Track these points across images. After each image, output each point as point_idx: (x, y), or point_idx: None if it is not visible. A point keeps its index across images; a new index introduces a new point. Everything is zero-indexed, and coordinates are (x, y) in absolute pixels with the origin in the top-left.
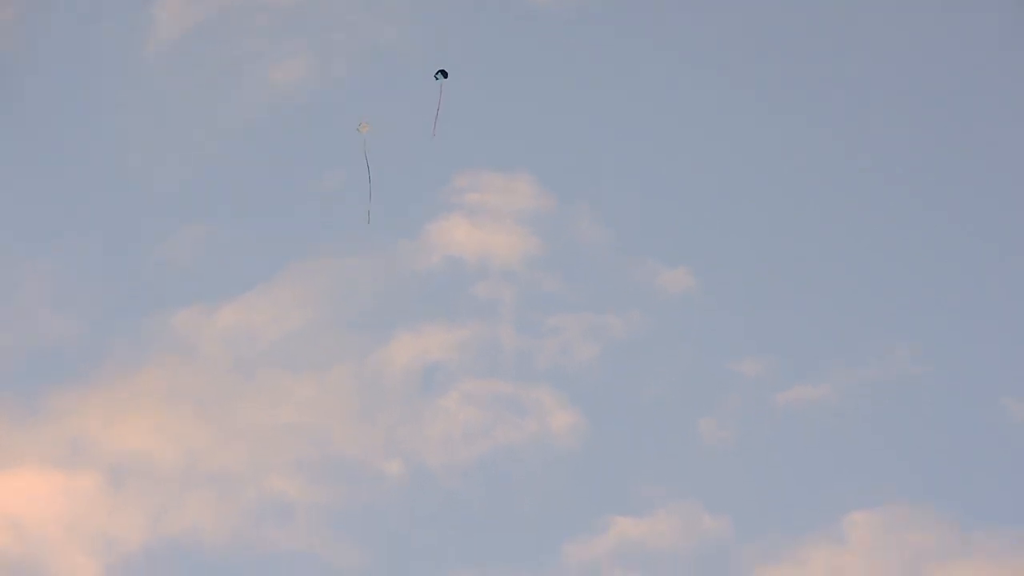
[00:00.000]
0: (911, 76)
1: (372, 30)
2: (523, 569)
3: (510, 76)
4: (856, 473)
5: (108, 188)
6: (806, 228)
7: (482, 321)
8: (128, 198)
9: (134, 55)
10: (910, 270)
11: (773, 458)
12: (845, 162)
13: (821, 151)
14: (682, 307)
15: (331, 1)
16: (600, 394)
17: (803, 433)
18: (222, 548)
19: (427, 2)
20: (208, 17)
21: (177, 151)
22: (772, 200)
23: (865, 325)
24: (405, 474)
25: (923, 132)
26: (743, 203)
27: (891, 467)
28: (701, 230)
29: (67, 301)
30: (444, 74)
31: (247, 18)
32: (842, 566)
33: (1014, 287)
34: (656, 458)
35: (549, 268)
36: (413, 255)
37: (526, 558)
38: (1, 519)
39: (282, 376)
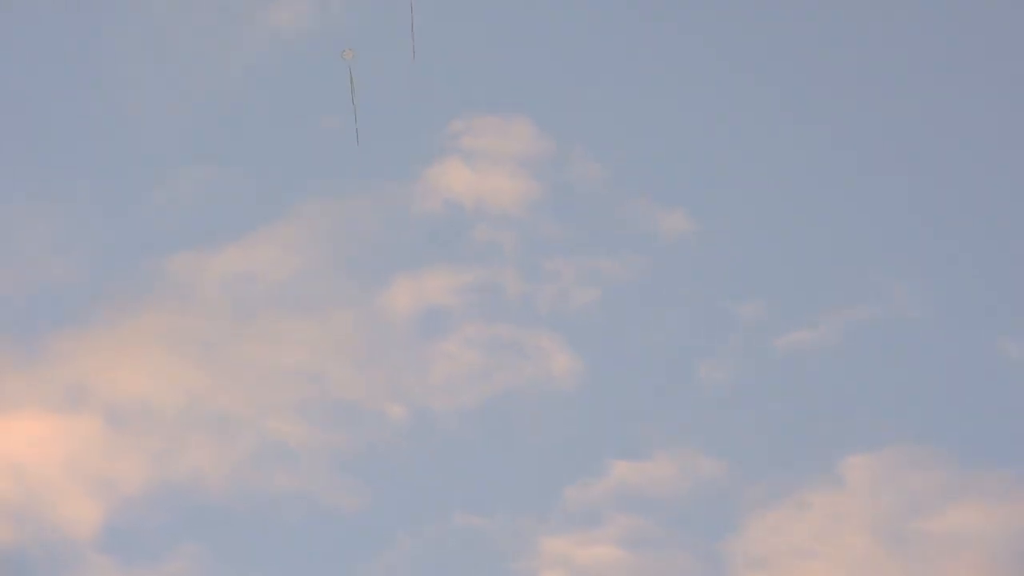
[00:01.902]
0: (913, 11)
1: None
2: (523, 511)
3: (507, 19)
4: (854, 416)
5: (108, 131)
6: (804, 169)
7: (482, 265)
8: (128, 141)
9: None
10: (908, 212)
11: (771, 401)
12: (843, 102)
13: (820, 92)
14: (681, 250)
15: None
16: (600, 338)
17: (801, 376)
18: (222, 490)
19: None
20: None
21: (177, 94)
22: (770, 141)
23: (863, 267)
24: (406, 417)
25: (922, 71)
26: (741, 145)
27: (889, 409)
28: (699, 172)
29: (67, 245)
30: None
31: None
32: (841, 509)
33: (1011, 228)
34: (655, 402)
35: (548, 211)
36: (412, 199)
37: (526, 500)
38: (1, 463)
39: (283, 319)
